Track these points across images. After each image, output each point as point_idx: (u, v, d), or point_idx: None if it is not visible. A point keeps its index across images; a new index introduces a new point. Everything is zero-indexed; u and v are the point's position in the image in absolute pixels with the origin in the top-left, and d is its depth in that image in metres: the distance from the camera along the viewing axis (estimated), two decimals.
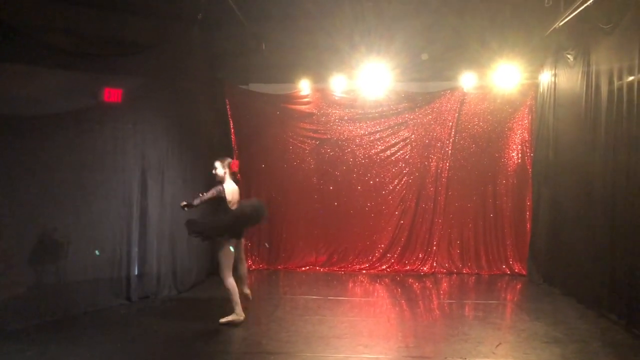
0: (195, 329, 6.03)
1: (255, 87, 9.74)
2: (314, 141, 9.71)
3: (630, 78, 5.93)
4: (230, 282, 6.06)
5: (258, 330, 5.97)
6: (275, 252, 9.72)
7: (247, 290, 6.51)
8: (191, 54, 8.10)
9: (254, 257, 9.70)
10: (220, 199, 6.17)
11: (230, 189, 6.34)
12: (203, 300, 7.35)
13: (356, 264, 9.55)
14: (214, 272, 8.72)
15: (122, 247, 7.11)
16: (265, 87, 9.70)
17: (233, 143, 9.63)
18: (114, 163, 7.09)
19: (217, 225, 6.15)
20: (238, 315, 6.11)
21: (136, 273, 7.29)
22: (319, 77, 9.39)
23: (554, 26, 7.46)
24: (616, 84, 6.26)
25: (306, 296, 7.60)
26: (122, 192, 7.16)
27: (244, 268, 6.51)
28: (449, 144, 9.43)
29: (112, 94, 7.14)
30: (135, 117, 7.30)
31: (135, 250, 7.23)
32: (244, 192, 9.60)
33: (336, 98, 9.62)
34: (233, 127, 9.64)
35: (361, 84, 9.23)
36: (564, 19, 7.13)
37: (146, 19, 7.80)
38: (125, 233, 7.15)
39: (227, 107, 9.59)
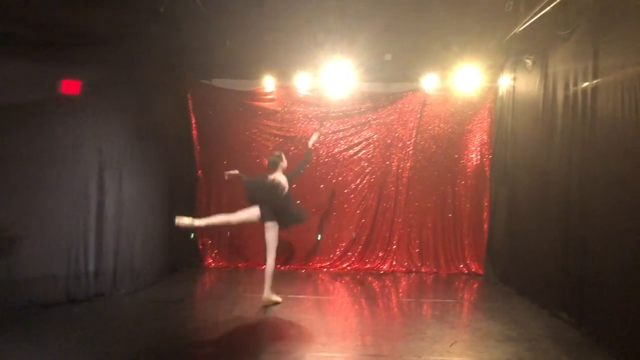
0: (151, 328, 5.93)
1: (218, 82, 9.65)
2: (277, 139, 9.68)
3: (585, 84, 6.09)
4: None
5: (214, 329, 5.91)
6: (235, 250, 9.65)
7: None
8: (152, 47, 7.96)
9: (214, 254, 9.61)
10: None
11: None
12: (159, 299, 7.22)
13: (317, 262, 9.57)
14: (171, 270, 8.67)
15: (78, 243, 6.91)
16: (228, 83, 9.62)
17: (194, 139, 9.52)
18: (70, 157, 6.88)
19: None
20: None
21: (92, 269, 7.11)
22: (283, 75, 9.36)
23: (514, 31, 7.58)
24: (572, 89, 6.43)
25: None
26: (78, 187, 6.96)
27: None
28: (410, 144, 9.54)
29: (70, 86, 6.97)
30: (94, 110, 7.11)
31: (91, 246, 7.05)
32: (205, 189, 9.57)
33: (300, 96, 9.61)
34: (195, 123, 9.52)
35: (326, 82, 9.24)
36: (523, 25, 7.25)
37: (107, 10, 7.59)
38: (81, 228, 6.95)
39: (189, 102, 9.47)
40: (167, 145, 8.69)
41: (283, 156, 7.22)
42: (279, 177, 7.03)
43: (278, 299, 7.10)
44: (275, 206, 6.80)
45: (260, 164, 9.58)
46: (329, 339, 5.64)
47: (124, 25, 7.50)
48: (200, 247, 9.58)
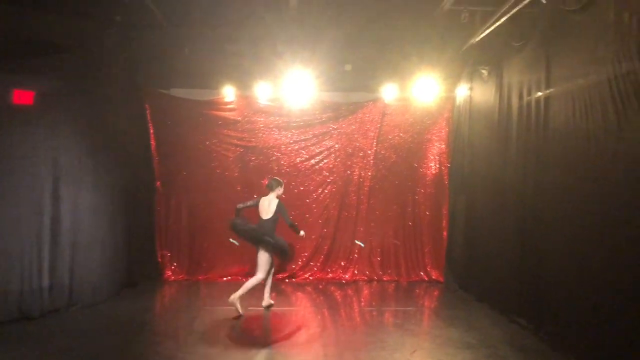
0: (107, 343, 5.77)
1: (177, 92, 9.50)
2: (238, 148, 9.60)
3: (538, 94, 6.27)
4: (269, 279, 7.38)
5: (173, 343, 5.79)
6: (196, 262, 9.51)
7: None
8: (109, 56, 7.83)
9: (173, 267, 9.44)
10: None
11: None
12: (116, 314, 7.03)
13: (279, 273, 9.50)
14: (130, 283, 8.48)
15: (32, 257, 6.69)
16: (187, 93, 9.49)
17: (153, 149, 9.35)
18: (24, 169, 6.68)
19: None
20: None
21: (46, 285, 6.89)
22: (243, 84, 9.30)
23: (470, 42, 7.77)
24: (526, 99, 6.61)
25: (226, 307, 7.41)
26: (32, 200, 6.74)
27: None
28: (371, 153, 9.60)
29: (22, 96, 6.77)
30: (48, 121, 6.92)
31: (45, 260, 6.83)
32: (164, 200, 9.41)
33: (261, 105, 9.57)
34: (153, 133, 9.35)
35: (287, 92, 9.22)
36: (479, 36, 7.44)
37: (62, 19, 7.42)
38: (35, 242, 6.74)
39: (147, 112, 9.30)
40: (125, 156, 8.51)
41: (281, 182, 7.63)
42: (270, 199, 7.37)
43: (240, 311, 7.05)
44: (254, 238, 7.24)
45: (220, 175, 9.51)
46: (291, 350, 5.61)
47: (79, 34, 7.35)
48: (160, 259, 9.39)
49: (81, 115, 7.30)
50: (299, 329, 6.52)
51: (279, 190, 7.51)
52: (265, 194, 7.47)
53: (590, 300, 5.07)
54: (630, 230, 4.47)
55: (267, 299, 7.54)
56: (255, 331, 6.50)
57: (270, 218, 7.24)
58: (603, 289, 4.89)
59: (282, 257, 7.52)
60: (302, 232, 7.53)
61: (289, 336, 6.20)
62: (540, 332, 6.02)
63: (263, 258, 7.15)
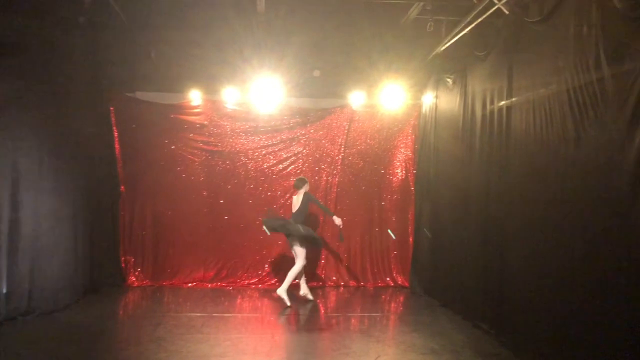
0: (66, 351, 5.62)
1: (142, 95, 9.36)
2: (204, 153, 9.51)
3: (501, 103, 6.38)
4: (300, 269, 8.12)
5: (135, 351, 5.68)
6: (160, 268, 9.37)
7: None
8: (72, 58, 7.68)
9: (137, 273, 9.29)
10: None
11: None
12: (77, 321, 6.87)
13: (245, 279, 9.45)
14: (93, 289, 8.31)
15: None
16: (153, 96, 9.35)
17: (117, 153, 9.19)
18: None
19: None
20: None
21: (3, 292, 6.68)
22: (210, 88, 9.24)
23: (436, 51, 7.88)
24: (489, 107, 6.72)
25: (190, 313, 7.37)
26: None
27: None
28: (338, 159, 9.64)
29: None
30: (7, 123, 6.72)
31: (3, 266, 6.61)
32: (128, 205, 9.26)
33: (228, 110, 9.51)
34: (117, 137, 9.20)
35: (254, 97, 9.18)
36: (444, 44, 7.55)
37: (24, 19, 7.24)
38: None
39: (111, 115, 9.15)
40: (88, 160, 8.37)
41: (305, 180, 8.41)
42: (299, 196, 8.27)
43: (288, 302, 7.81)
44: (285, 230, 8.16)
45: (186, 179, 9.40)
46: (254, 358, 5.56)
47: (41, 34, 7.18)
48: (123, 265, 9.23)
49: (42, 117, 7.13)
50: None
51: (306, 187, 8.32)
52: (294, 194, 8.40)
53: (549, 306, 5.17)
54: (589, 236, 4.58)
55: (283, 289, 7.95)
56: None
57: (297, 210, 8.16)
58: (562, 294, 4.98)
59: (313, 244, 8.22)
60: (337, 220, 8.27)
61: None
62: (501, 337, 6.10)
63: (297, 248, 8.02)
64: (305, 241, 8.05)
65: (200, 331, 6.50)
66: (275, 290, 8.93)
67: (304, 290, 8.37)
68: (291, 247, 8.17)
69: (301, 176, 8.65)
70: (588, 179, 4.60)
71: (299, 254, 8.03)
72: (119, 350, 5.69)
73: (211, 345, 5.92)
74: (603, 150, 4.42)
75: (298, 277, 8.22)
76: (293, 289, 8.25)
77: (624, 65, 4.23)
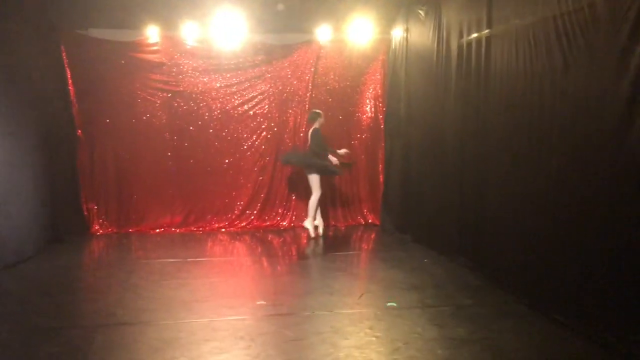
0: (37, 304, 5.36)
1: (96, 33, 8.71)
2: (165, 94, 9.02)
3: (480, 34, 6.18)
4: (316, 200, 8.47)
5: (111, 299, 5.46)
6: (125, 214, 9.03)
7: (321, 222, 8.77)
8: None
9: (101, 220, 8.93)
10: None
11: None
12: (45, 272, 6.56)
13: (215, 223, 9.23)
14: (55, 239, 7.97)
15: None
16: (107, 33, 8.69)
17: (71, 95, 8.61)
18: None
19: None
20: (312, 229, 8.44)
21: None
22: (168, 24, 8.67)
23: None
24: (466, 40, 6.52)
25: (162, 259, 7.14)
26: None
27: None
28: (306, 98, 9.34)
29: None
30: None
31: None
32: (87, 150, 8.80)
33: (188, 47, 8.98)
34: (71, 78, 8.59)
35: (215, 33, 8.71)
36: None
37: None
38: None
39: (63, 54, 8.51)
40: (42, 103, 7.82)
41: (320, 113, 8.54)
42: (310, 130, 8.49)
43: (312, 233, 8.38)
44: (301, 163, 8.69)
45: (147, 121, 8.96)
46: (236, 301, 5.43)
47: None
48: (86, 213, 8.84)
49: None
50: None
51: (320, 121, 8.48)
52: (309, 128, 8.55)
53: (529, 238, 5.22)
54: (577, 168, 4.55)
55: (309, 221, 8.44)
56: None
57: (309, 144, 8.48)
58: (541, 225, 5.02)
59: (330, 173, 8.71)
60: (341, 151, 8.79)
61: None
62: (479, 271, 6.16)
63: (312, 179, 8.39)
64: (322, 172, 8.44)
65: (175, 277, 6.31)
66: (245, 234, 8.86)
67: (307, 224, 8.51)
68: (308, 176, 8.50)
69: (315, 109, 8.68)
70: (578, 110, 4.53)
71: (314, 184, 8.38)
72: (96, 300, 5.45)
73: (189, 290, 5.76)
74: (595, 79, 4.33)
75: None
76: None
77: None
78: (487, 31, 6.03)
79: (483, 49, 6.11)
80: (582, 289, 4.45)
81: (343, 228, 9.42)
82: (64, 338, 4.44)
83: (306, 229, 8.48)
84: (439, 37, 7.29)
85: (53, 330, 4.62)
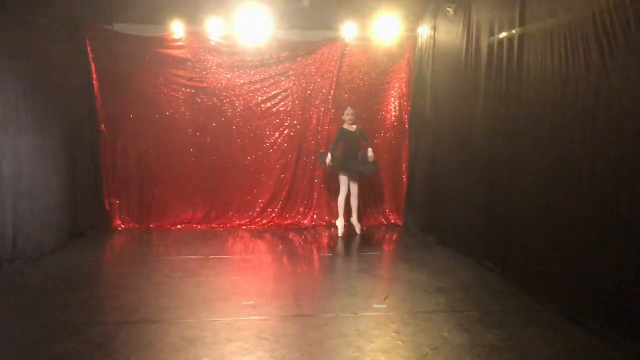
0: (60, 299, 5.34)
1: (121, 27, 8.70)
2: (189, 89, 8.99)
3: (512, 32, 6.01)
4: (338, 199, 8.72)
5: (133, 296, 5.42)
6: (146, 210, 9.02)
7: (353, 221, 8.79)
8: None
9: (122, 215, 8.94)
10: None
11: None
12: (68, 266, 6.56)
13: (236, 220, 9.18)
14: (77, 233, 7.99)
15: None
16: (132, 28, 8.69)
17: (95, 90, 8.62)
18: None
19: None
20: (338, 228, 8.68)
21: None
22: (193, 20, 8.63)
23: None
24: (497, 38, 6.35)
25: (184, 256, 7.12)
26: None
27: (354, 202, 8.72)
28: (330, 96, 9.23)
29: None
30: None
31: None
32: (109, 145, 8.80)
33: (213, 43, 8.94)
34: (95, 73, 8.59)
35: (240, 29, 8.65)
36: None
37: None
38: None
39: (88, 49, 8.51)
40: (66, 97, 7.83)
41: (346, 108, 8.72)
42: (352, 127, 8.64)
43: (340, 232, 8.62)
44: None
45: (170, 117, 8.93)
46: (259, 300, 5.36)
47: None
48: (107, 207, 8.85)
49: (16, 53, 6.50)
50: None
51: (344, 118, 8.68)
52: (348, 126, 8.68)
53: (558, 241, 5.06)
54: (609, 173, 4.39)
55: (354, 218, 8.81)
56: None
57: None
58: (573, 230, 4.86)
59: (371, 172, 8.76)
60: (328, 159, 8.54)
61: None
62: (507, 275, 6.00)
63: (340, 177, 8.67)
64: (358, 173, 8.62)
65: (197, 274, 6.27)
66: (266, 232, 8.80)
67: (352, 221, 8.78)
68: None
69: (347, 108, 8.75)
70: (615, 112, 4.35)
71: (340, 182, 8.63)
72: (118, 297, 5.41)
73: (212, 288, 5.70)
74: (634, 79, 4.16)
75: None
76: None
77: None
78: (519, 29, 5.86)
79: (515, 48, 5.93)
80: (616, 295, 4.29)
81: (365, 228, 9.28)
82: (87, 335, 4.40)
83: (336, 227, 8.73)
84: (468, 35, 7.11)
85: (75, 327, 4.58)
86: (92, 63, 8.55)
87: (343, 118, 8.59)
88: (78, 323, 4.67)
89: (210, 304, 5.21)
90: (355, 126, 8.62)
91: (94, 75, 8.59)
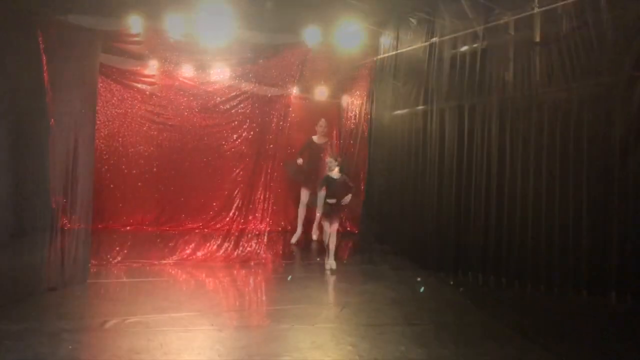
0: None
1: (76, 19, 8.33)
2: (145, 87, 8.71)
3: (474, 45, 6.06)
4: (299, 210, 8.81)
5: (79, 302, 5.16)
6: (95, 210, 8.63)
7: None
8: None
9: (69, 215, 8.54)
10: None
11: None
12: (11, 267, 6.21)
13: (189, 223, 8.93)
14: (19, 233, 7.59)
15: None
16: (88, 21, 8.31)
17: (45, 83, 8.19)
18: None
19: None
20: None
21: None
22: (152, 15, 8.34)
23: None
24: (460, 50, 6.39)
25: (134, 260, 6.86)
26: None
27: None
28: (290, 100, 9.10)
29: None
30: None
31: None
32: (59, 141, 8.38)
33: (172, 41, 8.67)
34: (46, 65, 8.16)
35: (201, 28, 8.41)
36: None
37: None
38: None
39: (40, 40, 8.08)
40: (12, 89, 7.42)
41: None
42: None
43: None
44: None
45: (123, 115, 8.62)
46: (212, 309, 5.18)
47: None
48: (54, 206, 8.43)
49: None
50: None
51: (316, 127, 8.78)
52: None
53: (513, 251, 5.12)
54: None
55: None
56: None
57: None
58: (533, 239, 4.93)
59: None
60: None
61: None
62: (459, 286, 6.04)
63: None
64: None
65: (147, 279, 6.02)
66: (219, 236, 8.52)
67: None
68: None
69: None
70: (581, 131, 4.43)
71: (301, 193, 8.78)
72: (60, 305, 5.12)
73: (164, 296, 5.48)
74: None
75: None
76: None
77: None
78: (482, 42, 5.90)
79: (478, 61, 5.98)
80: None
81: (321, 235, 9.17)
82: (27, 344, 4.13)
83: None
84: (430, 47, 7.14)
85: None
86: (43, 55, 8.12)
87: (316, 129, 8.70)
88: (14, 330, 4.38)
89: (161, 312, 5.00)
90: (325, 139, 8.90)
91: (45, 68, 8.16)
